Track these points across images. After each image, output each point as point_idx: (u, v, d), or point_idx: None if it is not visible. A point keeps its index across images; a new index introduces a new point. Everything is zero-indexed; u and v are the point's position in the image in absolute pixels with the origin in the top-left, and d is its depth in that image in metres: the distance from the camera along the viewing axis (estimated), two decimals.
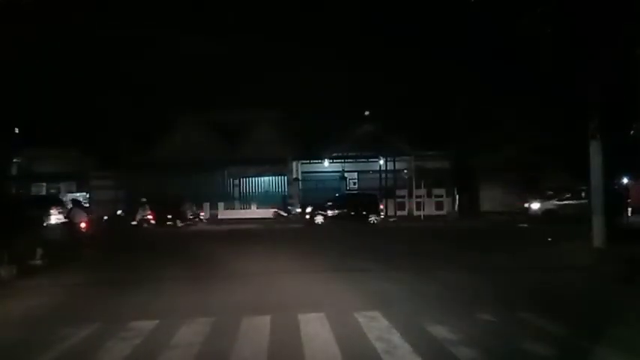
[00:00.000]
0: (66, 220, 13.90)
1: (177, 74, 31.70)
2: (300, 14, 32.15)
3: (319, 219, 24.81)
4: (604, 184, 12.82)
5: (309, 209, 25.91)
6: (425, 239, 18.22)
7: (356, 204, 25.53)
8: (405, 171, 30.33)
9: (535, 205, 24.36)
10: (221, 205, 30.39)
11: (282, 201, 30.66)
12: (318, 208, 25.57)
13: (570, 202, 22.86)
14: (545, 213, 23.34)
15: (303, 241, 18.77)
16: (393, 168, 30.92)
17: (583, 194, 22.60)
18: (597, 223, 12.74)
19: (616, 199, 14.57)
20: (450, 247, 15.29)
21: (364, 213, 24.95)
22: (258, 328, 6.48)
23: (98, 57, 27.47)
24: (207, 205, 30.19)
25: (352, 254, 13.79)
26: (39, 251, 12.32)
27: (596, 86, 11.80)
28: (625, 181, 21.01)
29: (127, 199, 29.80)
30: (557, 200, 23.58)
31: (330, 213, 24.96)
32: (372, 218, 24.93)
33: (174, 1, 32.61)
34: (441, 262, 12.01)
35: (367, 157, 31.81)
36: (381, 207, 25.88)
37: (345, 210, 25.05)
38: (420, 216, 27.62)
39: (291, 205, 30.38)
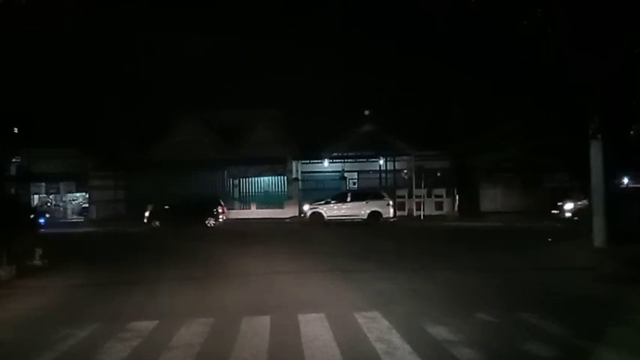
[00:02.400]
0: None
1: (177, 74, 31.74)
2: (301, 15, 32.20)
3: (157, 222, 24.64)
4: (605, 184, 12.81)
5: (147, 213, 25.51)
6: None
7: (194, 207, 25.42)
8: (405, 171, 30.29)
9: (305, 207, 26.28)
10: None
11: None
12: (157, 211, 25.39)
13: (334, 205, 24.64)
14: (312, 215, 24.78)
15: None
16: (393, 168, 30.87)
17: (348, 198, 24.93)
18: (598, 224, 12.72)
19: (616, 199, 14.55)
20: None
21: (202, 216, 24.95)
22: (257, 329, 6.47)
23: (98, 57, 27.47)
24: None
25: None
26: (38, 251, 12.33)
27: (596, 86, 11.78)
28: (625, 181, 20.96)
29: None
30: (325, 204, 25.13)
31: (167, 216, 24.75)
32: (210, 221, 24.95)
33: (175, 2, 32.66)
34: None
35: (367, 157, 31.75)
36: (221, 210, 25.52)
37: (183, 213, 24.80)
38: (420, 216, 27.58)
39: None
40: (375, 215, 24.22)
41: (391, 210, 24.70)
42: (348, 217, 24.34)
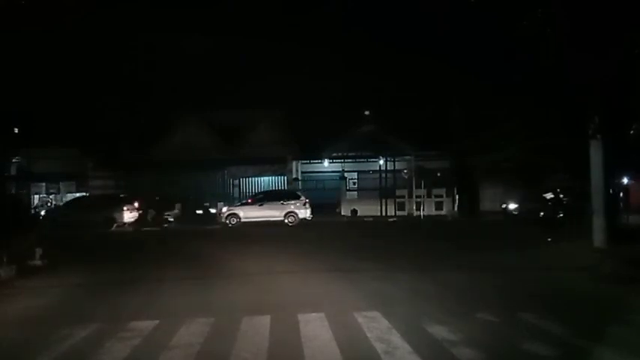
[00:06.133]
0: None
1: (178, 74, 31.70)
2: (301, 15, 32.16)
3: None
4: (604, 184, 12.81)
5: None
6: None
7: None
8: (405, 171, 30.28)
9: (42, 212, 27.16)
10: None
11: None
12: None
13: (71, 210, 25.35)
14: (50, 220, 25.50)
15: None
16: (393, 168, 30.87)
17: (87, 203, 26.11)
18: (597, 223, 12.72)
19: (616, 199, 14.59)
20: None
21: None
22: (257, 328, 6.47)
23: (98, 57, 27.45)
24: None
25: None
26: (38, 251, 12.32)
27: (596, 86, 11.78)
28: (625, 180, 20.95)
29: None
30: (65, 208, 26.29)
31: None
32: None
33: (175, 2, 32.63)
34: None
35: (367, 157, 31.76)
36: None
37: None
38: (420, 216, 27.59)
39: None
40: (108, 220, 24.95)
41: (126, 214, 25.35)
42: (87, 221, 24.49)
